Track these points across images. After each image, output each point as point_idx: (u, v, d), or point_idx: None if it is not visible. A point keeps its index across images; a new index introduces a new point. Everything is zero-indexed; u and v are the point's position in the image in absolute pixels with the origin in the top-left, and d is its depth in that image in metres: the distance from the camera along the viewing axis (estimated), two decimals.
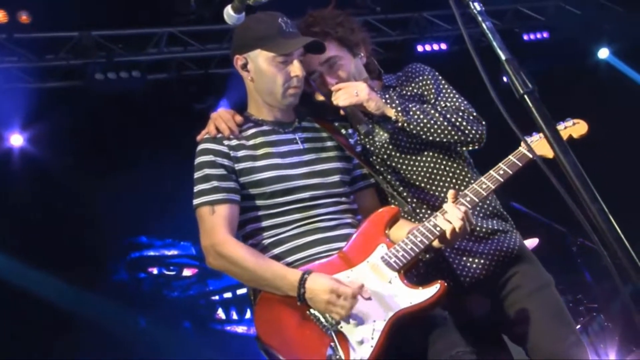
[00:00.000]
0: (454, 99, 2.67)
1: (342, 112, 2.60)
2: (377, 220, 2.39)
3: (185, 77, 7.17)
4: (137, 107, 6.82)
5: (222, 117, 2.50)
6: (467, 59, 1.59)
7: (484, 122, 2.62)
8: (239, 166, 2.40)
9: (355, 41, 2.71)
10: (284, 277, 2.24)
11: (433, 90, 2.70)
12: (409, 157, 2.66)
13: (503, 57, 1.45)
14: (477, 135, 2.58)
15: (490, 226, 2.65)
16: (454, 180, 2.65)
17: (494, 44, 1.47)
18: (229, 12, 2.05)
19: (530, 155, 2.44)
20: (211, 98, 7.00)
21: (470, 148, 2.66)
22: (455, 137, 2.57)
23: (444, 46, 7.93)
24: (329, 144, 2.57)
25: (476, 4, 1.52)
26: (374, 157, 2.69)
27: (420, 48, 7.80)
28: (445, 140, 2.58)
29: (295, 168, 2.43)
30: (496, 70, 1.55)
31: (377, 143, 2.69)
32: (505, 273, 2.61)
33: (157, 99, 6.99)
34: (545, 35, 8.43)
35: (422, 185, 2.64)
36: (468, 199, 2.39)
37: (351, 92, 2.52)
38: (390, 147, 2.67)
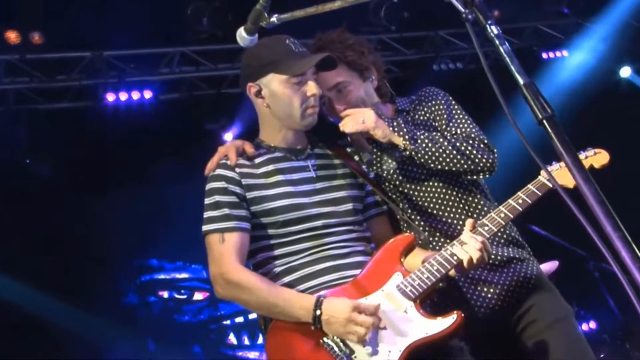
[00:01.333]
0: (465, 126, 2.66)
1: (348, 138, 2.60)
2: (392, 248, 2.39)
3: (197, 97, 7.22)
4: (149, 128, 6.86)
5: (234, 145, 2.50)
6: (483, 77, 1.59)
7: (495, 150, 2.60)
8: (250, 194, 2.40)
9: (366, 65, 2.70)
10: (297, 302, 2.24)
11: (445, 116, 2.69)
12: (419, 184, 2.65)
13: (521, 81, 1.45)
14: (488, 164, 2.56)
15: (506, 254, 2.63)
16: (466, 208, 2.64)
17: (512, 68, 1.47)
18: (241, 34, 2.07)
19: (550, 185, 2.43)
20: (223, 118, 7.04)
21: (481, 177, 2.63)
22: (465, 166, 2.55)
23: (459, 65, 7.95)
24: (341, 171, 2.57)
25: (493, 28, 1.52)
26: (387, 184, 2.69)
27: (435, 67, 7.82)
28: (454, 169, 2.56)
29: (307, 196, 2.43)
30: (514, 88, 1.54)
31: (385, 171, 2.70)
32: (522, 304, 2.58)
33: (169, 119, 7.03)
34: (564, 53, 8.41)
35: (435, 212, 2.63)
36: (487, 228, 2.38)
37: (357, 119, 2.53)
38: (401, 174, 2.67)
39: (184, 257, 7.84)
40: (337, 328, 2.18)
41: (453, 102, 2.74)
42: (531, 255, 2.71)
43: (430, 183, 2.65)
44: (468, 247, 2.28)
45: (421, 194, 2.65)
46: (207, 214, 2.38)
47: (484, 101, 2.67)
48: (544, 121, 1.41)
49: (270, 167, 2.46)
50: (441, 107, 2.70)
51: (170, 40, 6.90)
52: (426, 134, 2.57)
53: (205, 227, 2.36)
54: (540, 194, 2.46)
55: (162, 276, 7.90)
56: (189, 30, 6.87)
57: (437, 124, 2.69)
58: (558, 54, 8.41)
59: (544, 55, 8.35)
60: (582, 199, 1.34)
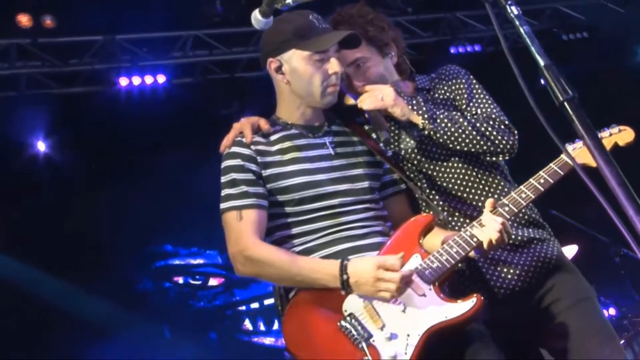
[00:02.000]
0: (486, 106, 2.64)
1: (366, 115, 2.59)
2: (411, 228, 2.38)
3: (210, 81, 7.23)
4: (162, 112, 6.89)
5: (249, 121, 2.51)
6: (502, 60, 1.58)
7: (515, 132, 2.59)
8: (266, 172, 2.40)
9: (386, 41, 2.69)
10: (322, 269, 2.25)
11: (465, 95, 2.67)
12: (439, 164, 2.64)
13: (542, 63, 1.44)
14: (508, 146, 2.54)
15: (526, 235, 2.62)
16: (486, 189, 2.63)
17: (532, 49, 1.46)
18: (256, 16, 2.06)
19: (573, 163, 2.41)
20: (237, 103, 7.06)
21: (501, 158, 2.61)
22: (485, 147, 2.53)
23: (478, 47, 7.89)
24: (360, 148, 2.56)
25: (513, 8, 1.51)
26: (405, 163, 2.68)
27: (453, 50, 7.77)
28: (473, 150, 2.55)
29: (324, 173, 2.43)
30: (534, 71, 1.54)
31: (403, 150, 2.69)
32: (543, 284, 2.57)
33: (183, 104, 7.05)
34: (585, 35, 8.32)
35: (455, 192, 2.62)
36: (507, 208, 2.37)
37: (376, 96, 2.52)
38: (419, 153, 2.66)
39: (199, 242, 7.89)
40: (367, 288, 2.20)
41: (474, 82, 2.72)
42: (552, 236, 2.70)
43: (450, 163, 2.64)
44: (488, 228, 2.27)
45: (440, 174, 2.64)
46: (224, 192, 2.38)
47: (503, 84, 2.65)
48: (565, 103, 1.40)
49: (287, 144, 2.46)
50: (462, 86, 2.69)
51: (183, 24, 6.91)
52: (446, 114, 2.56)
53: (222, 205, 2.37)
54: (562, 173, 2.43)
55: (177, 262, 7.96)
56: (202, 13, 6.87)
57: (457, 103, 2.68)
58: (579, 35, 8.32)
59: (564, 37, 8.27)
60: (604, 181, 1.33)
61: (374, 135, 2.62)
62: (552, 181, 2.43)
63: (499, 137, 2.54)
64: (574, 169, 2.40)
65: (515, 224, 2.62)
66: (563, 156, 2.46)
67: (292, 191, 2.38)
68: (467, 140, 2.53)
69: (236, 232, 2.32)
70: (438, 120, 2.53)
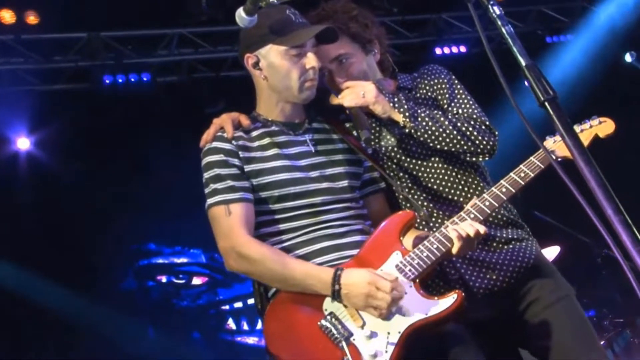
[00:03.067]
0: (467, 106, 2.64)
1: (347, 112, 2.59)
2: (391, 226, 2.38)
3: (196, 79, 7.22)
4: (146, 111, 6.87)
5: (229, 117, 2.50)
6: (487, 61, 1.59)
7: (496, 133, 2.59)
8: (248, 167, 2.40)
9: (369, 38, 2.69)
10: (314, 275, 2.24)
11: (447, 95, 2.67)
12: (419, 162, 2.65)
13: (523, 62, 1.45)
14: (488, 147, 2.54)
15: (504, 235, 2.62)
16: (465, 189, 2.63)
17: (514, 49, 1.47)
18: (240, 14, 2.05)
19: (553, 157, 2.42)
20: (223, 101, 7.04)
21: (480, 159, 2.62)
22: (465, 147, 2.54)
23: (463, 49, 7.93)
24: (340, 146, 2.56)
25: (495, 8, 1.52)
26: (386, 160, 2.68)
27: (438, 50, 7.81)
28: (453, 149, 2.55)
29: (305, 171, 2.43)
30: (518, 72, 1.55)
31: (384, 147, 2.69)
32: (522, 285, 2.58)
33: (167, 102, 7.03)
34: (569, 37, 8.39)
35: (435, 191, 2.62)
36: (487, 203, 2.38)
37: (358, 92, 2.51)
38: (400, 152, 2.66)
39: (182, 241, 7.87)
40: (357, 302, 2.21)
41: (456, 82, 2.73)
42: (530, 236, 2.71)
43: (430, 162, 2.64)
44: (465, 224, 2.29)
45: (421, 172, 2.64)
46: (209, 188, 2.37)
47: (488, 86, 2.67)
48: (546, 103, 1.42)
49: (267, 141, 2.46)
50: (443, 85, 2.69)
51: (168, 22, 6.88)
52: (427, 112, 2.56)
53: (210, 200, 2.35)
54: (543, 166, 2.43)
55: (160, 260, 7.93)
56: (188, 11, 6.85)
57: (438, 103, 2.68)
58: (563, 37, 8.38)
59: (549, 40, 8.33)
60: (584, 180, 1.35)
61: (354, 133, 2.62)
62: (532, 174, 2.43)
63: (479, 137, 2.54)
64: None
65: (494, 225, 2.62)
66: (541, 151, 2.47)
67: (273, 188, 2.38)
68: (448, 140, 2.53)
69: (226, 227, 2.31)
70: (419, 119, 2.53)
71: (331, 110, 2.66)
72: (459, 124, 2.54)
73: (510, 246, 2.62)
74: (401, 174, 2.66)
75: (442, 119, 2.55)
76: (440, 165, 2.64)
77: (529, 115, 1.55)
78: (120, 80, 6.74)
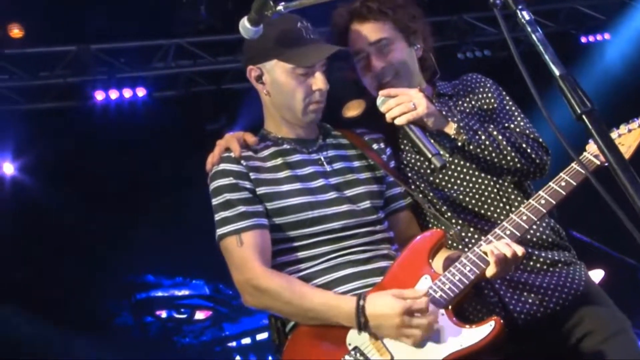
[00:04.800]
0: (518, 120, 2.64)
1: (386, 120, 2.51)
2: (419, 247, 2.37)
3: (195, 93, 7.26)
4: (142, 128, 6.91)
5: (234, 137, 2.52)
6: (515, 66, 1.60)
7: (549, 151, 2.59)
8: (260, 190, 2.41)
9: (414, 29, 2.70)
10: (335, 306, 2.25)
11: (496, 107, 2.67)
12: (460, 176, 2.64)
13: (557, 72, 1.47)
14: (541, 165, 2.54)
15: (549, 256, 2.59)
16: (507, 206, 2.61)
17: (546, 57, 1.49)
18: (244, 25, 2.09)
19: (598, 162, 2.39)
20: (225, 117, 7.09)
21: (531, 178, 2.61)
22: (518, 166, 2.52)
23: (487, 53, 7.93)
24: (358, 163, 2.57)
25: (525, 13, 1.54)
26: (414, 173, 2.67)
27: (460, 55, 7.81)
28: (506, 167, 2.53)
29: (322, 193, 2.44)
30: (550, 76, 1.56)
31: (419, 162, 2.69)
32: (571, 315, 2.53)
33: (165, 119, 7.07)
34: (606, 36, 8.39)
35: (471, 207, 2.61)
36: (525, 217, 2.35)
37: (407, 104, 2.45)
38: (450, 167, 2.65)
39: (183, 271, 7.88)
40: (389, 333, 2.20)
41: (504, 93, 2.72)
42: (577, 259, 2.68)
43: (468, 174, 2.63)
44: (501, 243, 2.27)
45: (458, 187, 2.62)
46: (218, 216, 2.39)
47: (516, 93, 2.67)
48: (584, 116, 1.43)
49: (279, 161, 2.47)
50: (491, 96, 2.69)
51: (164, 32, 6.94)
52: (478, 125, 2.55)
53: (220, 230, 2.37)
54: (586, 172, 2.37)
55: (159, 293, 7.95)
56: (185, 19, 6.91)
57: (484, 115, 2.67)
58: (599, 37, 8.38)
59: (583, 40, 8.33)
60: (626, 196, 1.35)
61: (375, 146, 2.62)
62: (574, 183, 2.39)
63: (533, 155, 2.54)
64: (598, 169, 2.40)
65: (537, 246, 2.60)
66: (586, 154, 2.43)
67: (287, 213, 2.39)
68: (501, 156, 2.51)
69: (240, 259, 2.32)
70: (471, 132, 2.49)
71: (348, 122, 2.68)
72: (512, 139, 2.53)
73: (557, 269, 2.58)
74: (432, 188, 2.66)
75: (494, 132, 2.53)
76: (481, 181, 2.63)
77: (565, 122, 1.56)
78: (113, 97, 6.79)
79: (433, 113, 2.46)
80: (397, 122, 2.45)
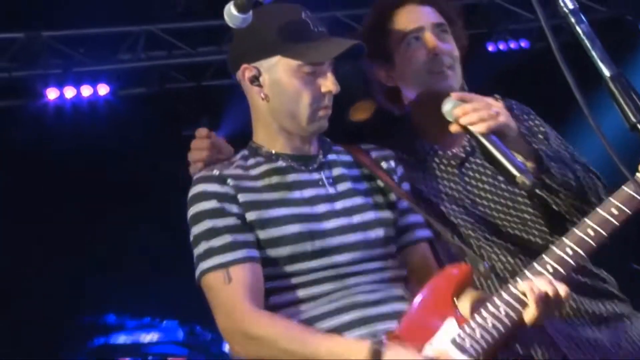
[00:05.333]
0: (567, 147, 2.75)
1: (453, 128, 2.54)
2: (441, 285, 2.36)
3: (170, 91, 7.32)
4: (104, 134, 6.94)
5: (206, 144, 2.57)
6: (557, 64, 1.64)
7: (601, 178, 2.67)
8: (251, 215, 2.40)
9: (458, 34, 2.83)
10: (344, 352, 2.24)
11: (544, 131, 2.77)
12: (494, 199, 2.71)
13: (607, 73, 1.48)
14: (598, 196, 2.59)
15: (604, 309, 2.63)
16: (552, 237, 2.65)
17: (594, 54, 1.50)
18: (231, 11, 2.10)
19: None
20: (205, 119, 7.09)
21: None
22: (576, 194, 2.58)
23: (524, 44, 7.95)
24: (367, 185, 2.57)
25: (567, 1, 1.56)
26: (440, 197, 2.72)
27: (491, 47, 7.83)
28: (565, 195, 2.59)
29: (325, 220, 2.44)
30: (599, 78, 1.58)
31: (472, 181, 2.76)
32: None
33: (132, 123, 7.09)
34: None
35: (508, 235, 2.66)
36: (570, 252, 2.32)
37: (488, 110, 2.47)
38: (484, 187, 2.73)
39: (152, 310, 7.85)
40: None
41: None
42: (634, 309, 2.72)
43: (509, 199, 2.71)
44: (541, 281, 2.27)
45: (499, 213, 2.70)
46: (200, 247, 2.37)
47: (560, 93, 2.71)
48: (639, 126, 1.44)
49: (274, 180, 2.47)
50: (539, 123, 2.81)
51: (133, 16, 6.97)
52: (540, 146, 2.61)
53: (202, 265, 2.36)
54: (630, 211, 2.36)
55: (122, 338, 7.91)
56: (159, 2, 6.95)
57: (539, 142, 2.72)
58: None
59: None
60: None
61: (384, 164, 2.63)
62: (629, 211, 2.37)
63: (589, 184, 2.60)
64: None
65: (589, 295, 2.63)
66: (625, 187, 2.46)
67: (283, 244, 2.39)
68: (568, 189, 2.57)
69: (226, 300, 2.31)
70: (547, 159, 2.55)
71: (352, 136, 2.71)
72: (574, 170, 2.60)
73: (614, 323, 2.63)
74: (464, 216, 2.70)
75: (564, 163, 2.61)
76: (522, 205, 2.70)
77: (616, 132, 1.58)
78: (68, 95, 6.82)
79: (514, 127, 2.51)
80: (476, 129, 2.45)
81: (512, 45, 7.90)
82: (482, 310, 2.28)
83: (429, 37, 2.74)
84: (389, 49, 2.81)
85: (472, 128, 2.45)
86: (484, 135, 2.44)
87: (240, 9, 2.12)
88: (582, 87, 1.61)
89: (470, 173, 2.77)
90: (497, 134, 2.44)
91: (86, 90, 6.89)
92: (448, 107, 2.50)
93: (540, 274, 2.31)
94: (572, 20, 1.55)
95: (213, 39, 7.14)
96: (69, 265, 6.88)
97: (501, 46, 7.87)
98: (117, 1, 6.77)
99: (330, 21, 7.00)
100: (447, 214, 2.70)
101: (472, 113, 2.46)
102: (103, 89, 6.97)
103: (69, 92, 6.83)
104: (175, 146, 7.09)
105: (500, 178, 2.71)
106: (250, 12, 2.18)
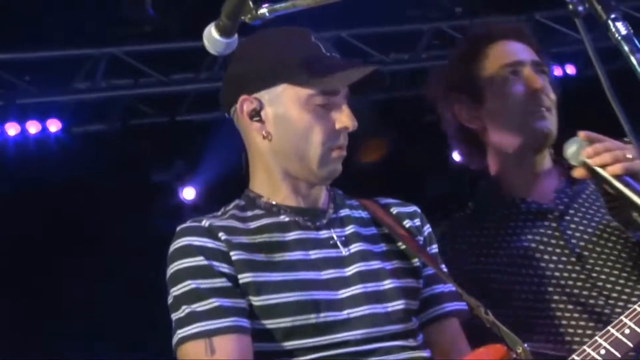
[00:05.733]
0: None
1: (578, 172, 2.66)
2: None
3: (136, 128, 7.33)
4: (55, 180, 6.96)
5: None
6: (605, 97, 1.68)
7: None
8: (244, 278, 2.40)
9: (552, 80, 3.06)
10: None
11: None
12: (613, 253, 2.87)
13: None
14: None
15: None
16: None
17: None
18: (211, 35, 2.11)
19: None
20: (179, 164, 7.12)
21: None
22: None
23: (571, 70, 8.00)
24: (385, 247, 2.59)
25: (620, 26, 1.60)
26: (536, 254, 2.87)
27: None
28: None
29: (335, 289, 2.45)
30: None
31: (577, 233, 2.88)
32: None
33: (89, 166, 7.11)
34: None
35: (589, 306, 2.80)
36: (628, 331, 2.36)
37: (622, 151, 2.55)
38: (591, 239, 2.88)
39: None
40: None
41: None
42: None
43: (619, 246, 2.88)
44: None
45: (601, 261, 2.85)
46: (181, 311, 2.38)
47: (609, 129, 2.78)
48: None
49: (274, 238, 2.47)
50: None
51: (92, 37, 7.01)
52: None
53: (180, 332, 2.36)
54: None
55: None
56: (124, 18, 6.98)
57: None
58: None
59: None
60: None
61: (406, 223, 2.64)
62: None
63: None
64: None
65: None
66: None
67: (282, 314, 2.39)
68: None
69: None
70: None
71: (366, 186, 2.73)
72: None
73: None
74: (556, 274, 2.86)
75: None
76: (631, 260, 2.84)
77: None
78: (11, 133, 6.85)
79: None
80: (611, 170, 2.52)
81: (557, 71, 7.93)
82: None
83: (530, 74, 2.91)
84: (479, 84, 2.96)
85: (604, 170, 2.52)
86: (617, 177, 2.50)
87: (223, 32, 2.13)
88: (634, 120, 1.66)
89: (573, 226, 2.90)
90: (632, 176, 2.52)
91: (33, 127, 6.90)
92: (574, 148, 2.56)
93: (592, 359, 2.37)
94: (625, 48, 1.58)
95: (189, 65, 7.17)
96: (25, 323, 6.90)
97: None
98: (71, 20, 6.74)
99: (334, 42, 7.06)
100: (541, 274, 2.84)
101: (605, 153, 2.52)
102: (54, 126, 6.99)
103: (12, 130, 6.83)
104: (141, 192, 7.13)
105: (608, 230, 2.87)
106: (235, 37, 2.20)
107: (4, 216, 6.82)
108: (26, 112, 6.93)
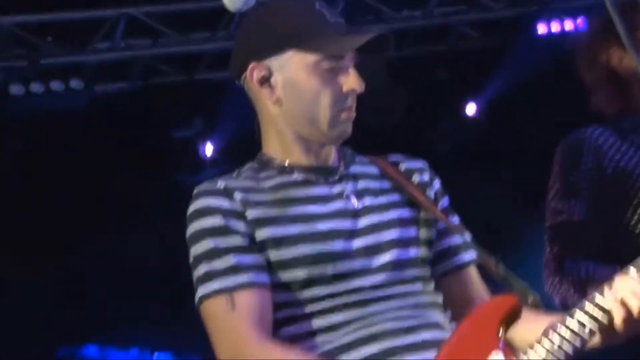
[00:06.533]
0: None
1: None
2: (486, 315, 2.44)
3: (156, 86, 7.36)
4: (80, 137, 7.02)
5: None
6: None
7: None
8: (261, 233, 2.46)
9: None
10: None
11: None
12: None
13: None
14: None
15: None
16: None
17: None
18: None
19: None
20: (199, 120, 7.13)
21: None
22: None
23: (583, 24, 7.92)
24: (396, 198, 2.63)
25: None
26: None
27: (542, 28, 7.80)
28: None
29: (347, 239, 2.49)
30: None
31: None
32: None
33: (112, 124, 7.17)
34: None
35: None
36: None
37: None
38: None
39: (140, 339, 7.84)
40: None
41: None
42: None
43: None
44: (623, 290, 2.33)
45: None
46: (200, 270, 2.43)
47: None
48: None
49: (289, 194, 2.52)
50: None
51: None
52: None
53: (201, 290, 2.42)
54: None
55: None
56: None
57: None
58: None
59: None
60: None
61: (415, 178, 2.68)
62: None
63: None
64: None
65: None
66: None
67: (299, 265, 2.44)
68: None
69: (229, 330, 2.37)
70: None
71: (375, 147, 2.75)
72: None
73: None
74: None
75: None
76: None
77: None
78: (35, 91, 6.88)
79: None
80: None
81: (568, 25, 7.82)
82: (543, 338, 2.35)
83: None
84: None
85: None
86: None
87: None
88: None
89: None
90: None
91: (57, 86, 6.91)
92: None
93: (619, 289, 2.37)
94: None
95: (207, 24, 7.13)
96: (46, 289, 6.97)
97: (554, 27, 7.82)
98: None
99: (352, 3, 7.07)
100: None
101: None
102: (77, 84, 6.99)
103: (37, 88, 6.85)
104: (162, 148, 7.13)
105: None
106: None
107: (29, 174, 6.90)
108: (50, 71, 6.95)
